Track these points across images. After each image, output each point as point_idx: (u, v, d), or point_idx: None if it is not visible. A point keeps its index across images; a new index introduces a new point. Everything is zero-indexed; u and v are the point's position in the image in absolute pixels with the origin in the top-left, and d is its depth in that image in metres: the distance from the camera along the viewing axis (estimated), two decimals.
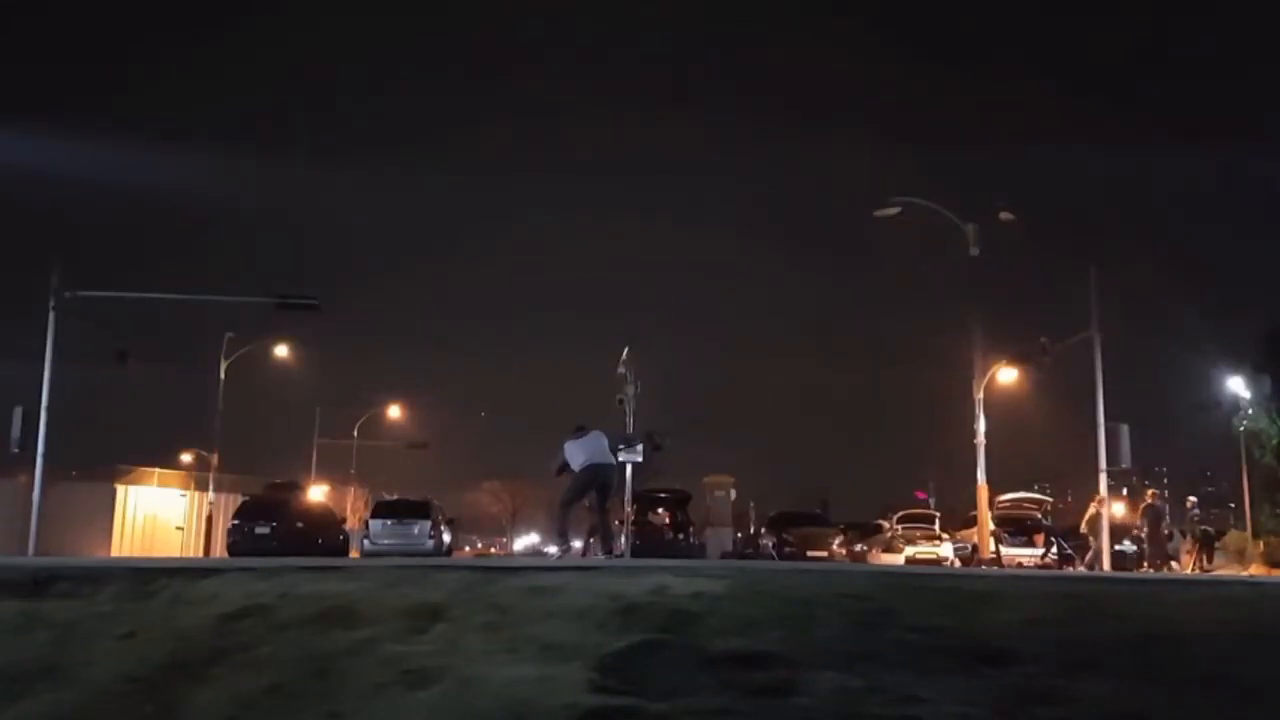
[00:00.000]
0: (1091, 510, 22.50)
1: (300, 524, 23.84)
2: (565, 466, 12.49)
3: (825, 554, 23.92)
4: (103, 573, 5.09)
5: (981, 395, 22.56)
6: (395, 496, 32.13)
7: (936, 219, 22.99)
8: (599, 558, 12.24)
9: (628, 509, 22.92)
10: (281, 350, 34.78)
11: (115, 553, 29.37)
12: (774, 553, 24.20)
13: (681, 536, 23.94)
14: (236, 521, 23.44)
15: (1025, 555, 23.76)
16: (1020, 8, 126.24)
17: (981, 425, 22.32)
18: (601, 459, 12.47)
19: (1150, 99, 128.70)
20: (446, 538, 26.35)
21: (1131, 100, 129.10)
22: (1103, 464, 23.13)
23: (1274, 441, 26.44)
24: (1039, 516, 26.82)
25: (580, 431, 12.80)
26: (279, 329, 33.73)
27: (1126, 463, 23.54)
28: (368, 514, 28.69)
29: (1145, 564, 21.51)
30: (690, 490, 27.20)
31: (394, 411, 48.00)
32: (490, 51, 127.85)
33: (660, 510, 25.16)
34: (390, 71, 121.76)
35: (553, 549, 11.12)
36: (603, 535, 13.39)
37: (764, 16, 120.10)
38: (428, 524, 24.30)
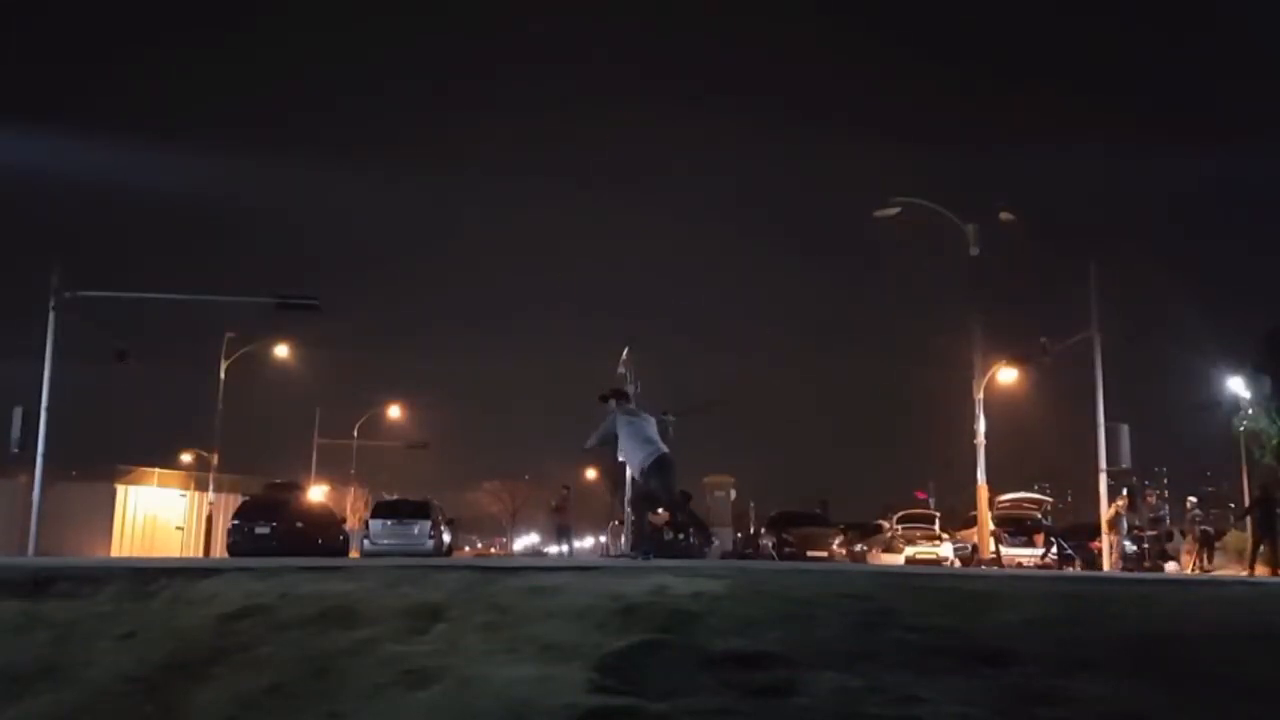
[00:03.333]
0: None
1: (300, 524, 23.86)
2: (605, 441, 10.79)
3: (825, 554, 23.92)
4: (103, 573, 5.09)
5: (981, 395, 22.57)
6: (395, 496, 32.16)
7: (937, 219, 23.02)
8: (601, 557, 12.08)
9: (628, 509, 22.94)
10: (281, 350, 34.81)
11: (115, 553, 29.39)
12: (774, 553, 24.20)
13: (681, 536, 23.95)
14: (236, 521, 23.45)
15: (1025, 555, 23.78)
16: (1020, 8, 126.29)
17: (981, 425, 22.34)
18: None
19: (1150, 99, 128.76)
20: (446, 538, 26.36)
21: (1132, 100, 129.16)
22: (1103, 464, 23.14)
23: (1274, 441, 26.46)
24: (1039, 516, 26.85)
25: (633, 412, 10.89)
26: (279, 329, 33.78)
27: (1126, 463, 23.53)
28: (368, 514, 28.70)
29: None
30: (690, 490, 27.19)
31: (394, 411, 48.06)
32: (490, 52, 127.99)
33: (660, 510, 25.10)
34: (391, 72, 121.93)
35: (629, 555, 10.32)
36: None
37: (764, 17, 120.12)
38: (428, 524, 24.31)
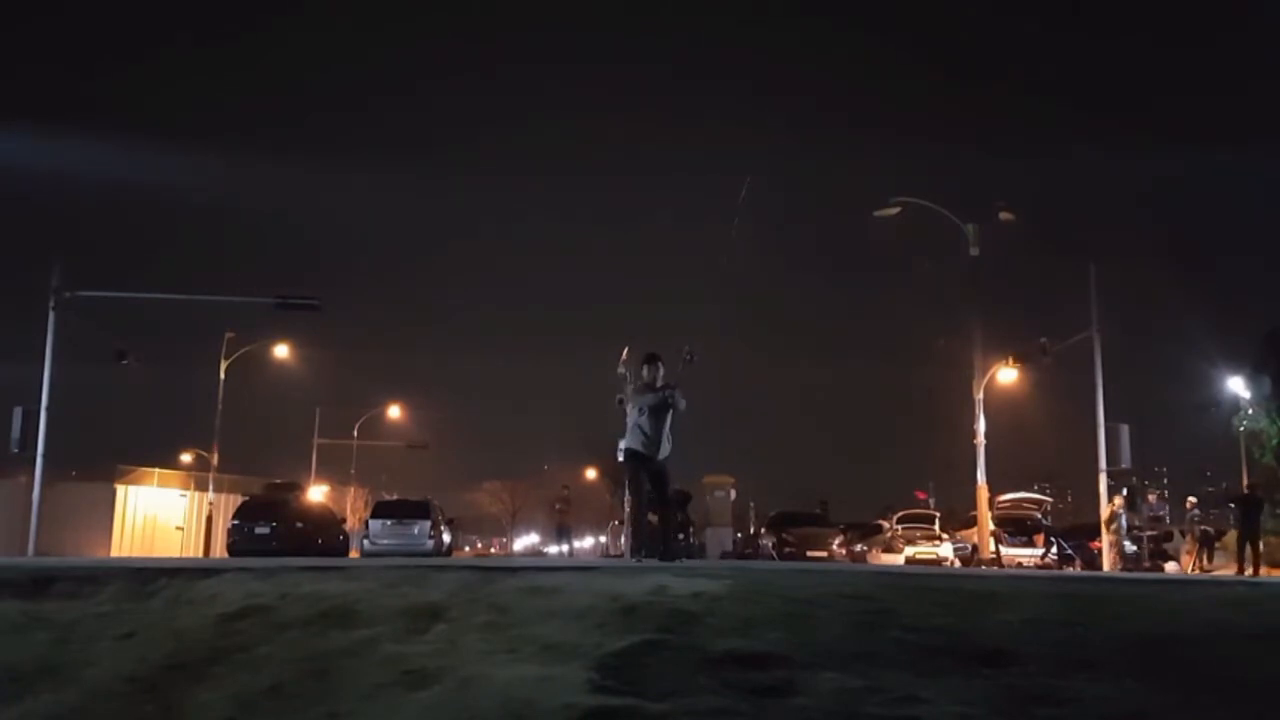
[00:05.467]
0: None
1: (300, 524, 23.86)
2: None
3: (825, 554, 23.94)
4: (103, 573, 5.09)
5: (981, 395, 22.57)
6: (395, 496, 32.19)
7: (936, 219, 23.02)
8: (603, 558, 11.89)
9: (627, 509, 22.92)
10: (281, 350, 34.78)
11: (115, 553, 29.40)
12: (774, 553, 24.22)
13: (681, 536, 23.95)
14: (236, 521, 23.45)
15: (1025, 555, 23.80)
16: (1021, 9, 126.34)
17: (981, 425, 22.33)
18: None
19: (1152, 99, 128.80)
20: (446, 538, 26.38)
21: (1133, 101, 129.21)
22: (1103, 464, 23.15)
23: (1274, 441, 26.46)
24: (1039, 516, 26.87)
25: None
26: (279, 329, 33.76)
27: (1126, 463, 23.56)
28: (368, 514, 28.71)
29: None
30: (690, 490, 27.19)
31: (394, 411, 48.06)
32: (492, 54, 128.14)
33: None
34: (392, 73, 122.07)
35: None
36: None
37: (764, 18, 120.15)
38: (428, 524, 24.33)
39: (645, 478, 10.11)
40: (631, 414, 9.89)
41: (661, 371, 9.96)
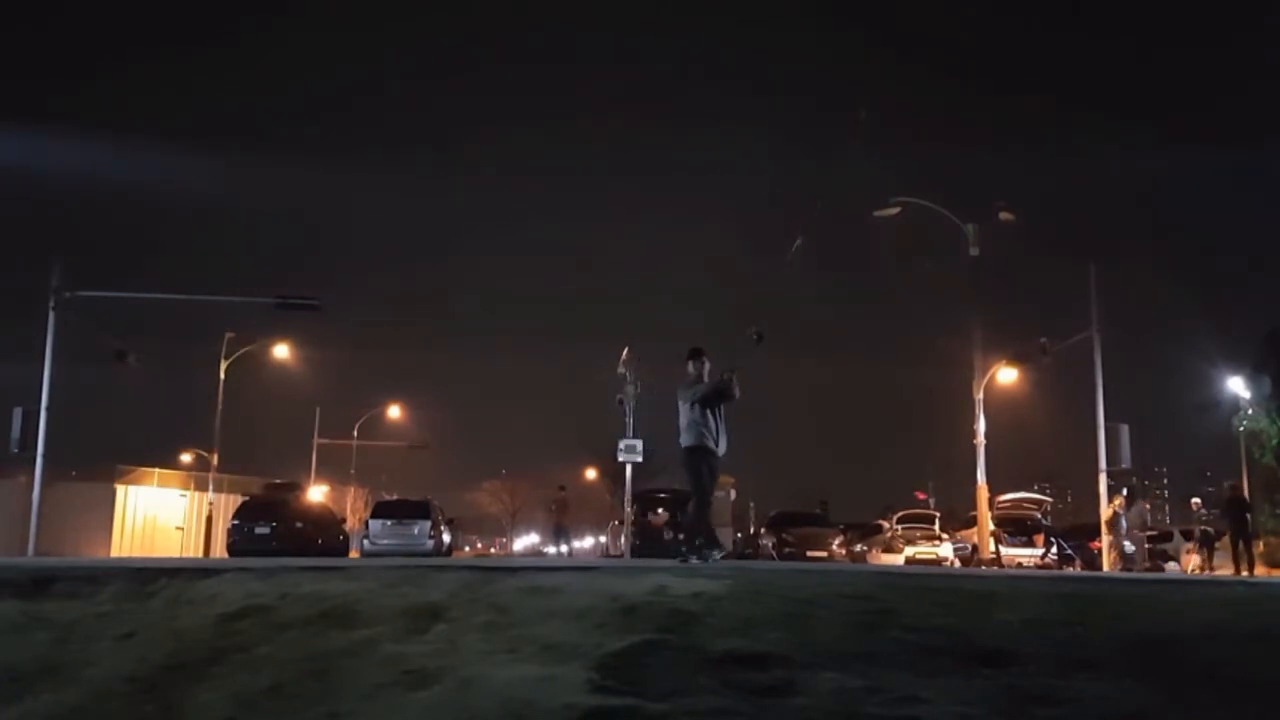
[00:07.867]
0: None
1: (300, 524, 23.83)
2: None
3: (825, 554, 23.92)
4: (103, 573, 5.09)
5: (981, 395, 22.54)
6: (395, 496, 32.19)
7: (936, 219, 22.99)
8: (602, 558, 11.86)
9: (628, 509, 22.93)
10: (281, 350, 34.68)
11: (115, 553, 29.40)
12: (774, 553, 24.20)
13: (682, 537, 23.91)
14: (236, 521, 23.42)
15: (1025, 555, 23.79)
16: (1022, 11, 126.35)
17: (981, 425, 22.30)
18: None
19: (1151, 100, 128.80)
20: (446, 538, 26.36)
21: (1133, 101, 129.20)
22: (1103, 464, 23.13)
23: (1274, 441, 26.45)
24: (1039, 516, 26.86)
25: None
26: (279, 329, 33.68)
27: (1126, 463, 23.53)
28: (368, 514, 28.69)
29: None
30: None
31: (394, 411, 48.00)
32: (493, 55, 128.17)
33: (660, 510, 25.11)
34: (394, 73, 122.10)
35: (716, 554, 9.22)
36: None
37: (765, 18, 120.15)
38: (428, 524, 24.32)
39: (707, 470, 9.61)
40: (684, 411, 9.47)
41: (708, 366, 9.62)
